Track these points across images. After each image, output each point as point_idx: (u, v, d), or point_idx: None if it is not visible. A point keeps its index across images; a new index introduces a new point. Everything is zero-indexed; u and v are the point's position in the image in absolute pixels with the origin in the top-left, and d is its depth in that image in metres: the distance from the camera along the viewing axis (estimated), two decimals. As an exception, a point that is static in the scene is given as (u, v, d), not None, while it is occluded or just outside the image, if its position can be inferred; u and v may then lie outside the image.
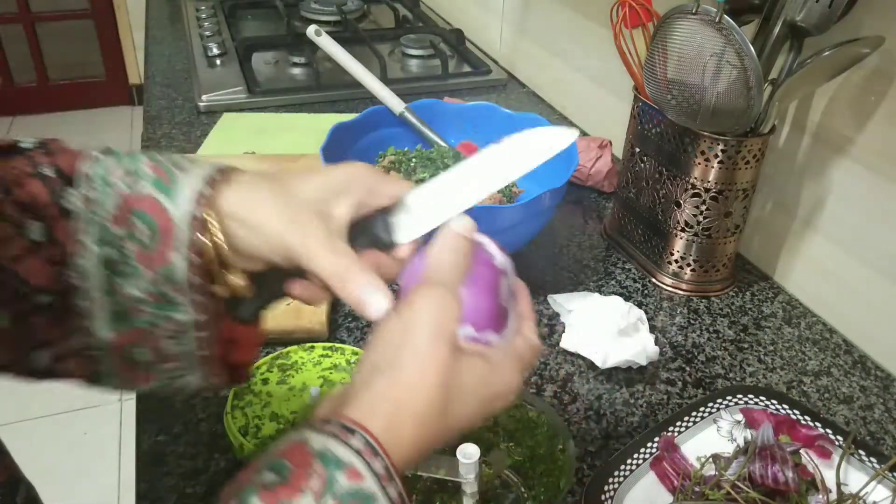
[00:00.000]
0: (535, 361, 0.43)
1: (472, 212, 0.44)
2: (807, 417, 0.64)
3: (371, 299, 0.41)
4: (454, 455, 0.52)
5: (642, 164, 0.86)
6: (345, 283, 0.41)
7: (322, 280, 0.41)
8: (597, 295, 0.79)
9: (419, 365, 0.37)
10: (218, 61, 1.37)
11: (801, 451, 0.60)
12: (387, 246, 0.44)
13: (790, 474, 0.55)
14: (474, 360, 0.39)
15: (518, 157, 0.46)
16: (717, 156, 0.76)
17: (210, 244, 0.41)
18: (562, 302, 0.78)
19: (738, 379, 0.72)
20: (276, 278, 0.44)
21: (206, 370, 0.43)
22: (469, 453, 0.52)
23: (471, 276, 0.41)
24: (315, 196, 0.43)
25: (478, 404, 0.39)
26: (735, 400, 0.66)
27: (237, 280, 0.43)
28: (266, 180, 0.43)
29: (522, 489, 0.58)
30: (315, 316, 0.73)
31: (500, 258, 0.43)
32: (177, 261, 0.40)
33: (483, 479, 0.54)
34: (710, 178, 0.78)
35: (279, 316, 0.72)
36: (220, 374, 0.44)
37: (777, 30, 0.72)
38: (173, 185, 0.41)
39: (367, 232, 0.44)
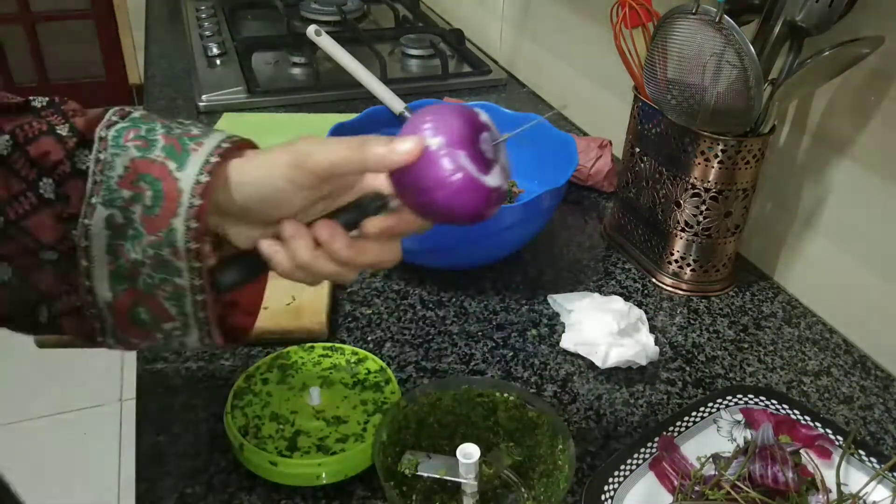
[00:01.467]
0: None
1: None
2: (807, 417, 0.64)
3: (399, 141, 0.42)
4: (454, 455, 0.52)
5: (642, 164, 0.86)
6: (363, 144, 0.42)
7: (336, 169, 0.43)
8: (597, 295, 0.79)
9: None
10: (218, 61, 1.37)
11: (801, 451, 0.60)
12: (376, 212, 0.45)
13: (790, 474, 0.55)
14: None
15: None
16: (717, 156, 0.76)
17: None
18: (562, 302, 0.78)
19: (738, 379, 0.72)
20: (255, 252, 0.45)
21: (204, 331, 0.44)
22: (469, 453, 0.52)
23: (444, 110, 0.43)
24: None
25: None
26: (735, 400, 0.66)
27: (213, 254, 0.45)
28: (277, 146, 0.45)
29: (522, 489, 0.58)
30: (315, 316, 0.73)
31: (484, 116, 0.44)
32: (177, 225, 0.41)
33: (483, 479, 0.54)
34: (710, 178, 0.78)
35: (279, 316, 0.72)
36: (219, 335, 0.45)
37: (777, 30, 0.72)
38: (184, 154, 0.42)
39: (352, 210, 0.45)
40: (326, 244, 0.44)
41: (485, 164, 0.42)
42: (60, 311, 0.43)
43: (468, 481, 0.53)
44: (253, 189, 0.43)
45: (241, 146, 0.45)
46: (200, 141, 0.43)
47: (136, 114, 0.45)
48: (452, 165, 0.41)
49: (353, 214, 0.45)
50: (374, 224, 0.45)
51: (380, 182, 0.46)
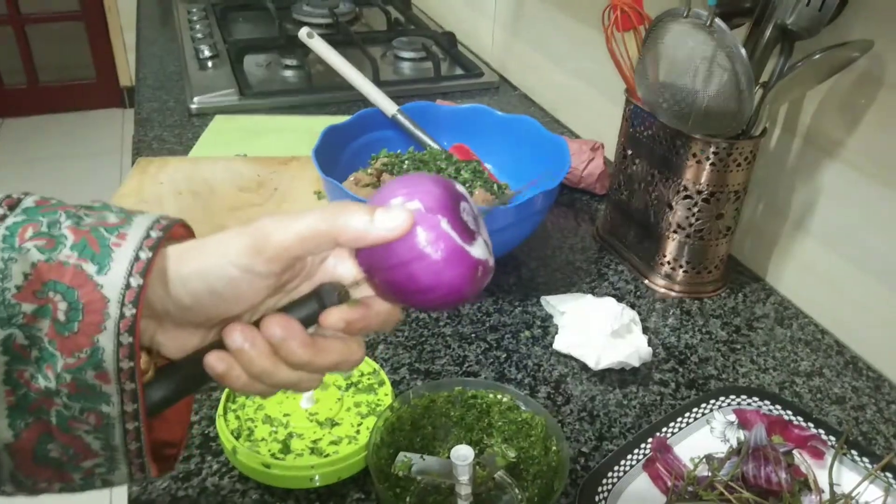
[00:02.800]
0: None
1: None
2: (799, 418, 0.64)
3: (384, 214, 0.35)
4: (448, 457, 0.52)
5: (634, 167, 0.86)
6: (336, 216, 0.35)
7: (305, 245, 0.36)
8: (590, 296, 0.79)
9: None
10: (209, 63, 1.37)
11: (794, 451, 0.60)
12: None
13: (783, 475, 0.56)
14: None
15: None
16: (708, 158, 0.76)
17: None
18: (555, 303, 0.79)
19: (730, 380, 0.73)
20: (194, 362, 0.38)
21: (136, 464, 0.36)
22: (463, 455, 0.52)
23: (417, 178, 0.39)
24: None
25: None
26: (728, 401, 0.66)
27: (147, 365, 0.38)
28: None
29: (516, 490, 0.58)
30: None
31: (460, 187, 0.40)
32: (104, 343, 0.33)
33: (477, 481, 0.54)
34: (702, 181, 0.78)
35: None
36: (150, 464, 0.37)
37: (768, 33, 0.72)
38: (104, 252, 0.34)
39: (309, 302, 0.38)
40: (280, 344, 0.36)
41: (468, 234, 0.37)
42: None
43: (462, 483, 0.53)
44: (200, 282, 0.36)
45: (173, 231, 0.37)
46: (122, 232, 0.35)
47: (29, 201, 0.36)
48: (433, 233, 0.36)
49: (309, 307, 0.38)
50: (335, 315, 0.37)
51: (341, 270, 0.39)
